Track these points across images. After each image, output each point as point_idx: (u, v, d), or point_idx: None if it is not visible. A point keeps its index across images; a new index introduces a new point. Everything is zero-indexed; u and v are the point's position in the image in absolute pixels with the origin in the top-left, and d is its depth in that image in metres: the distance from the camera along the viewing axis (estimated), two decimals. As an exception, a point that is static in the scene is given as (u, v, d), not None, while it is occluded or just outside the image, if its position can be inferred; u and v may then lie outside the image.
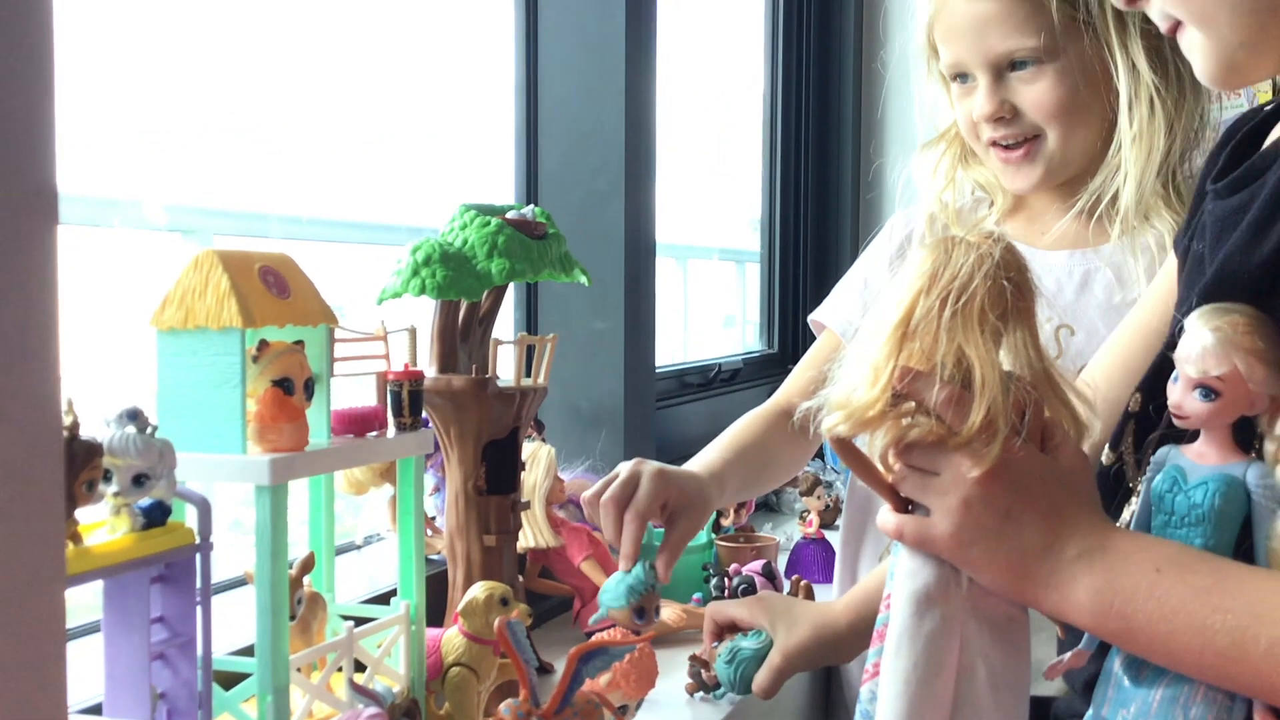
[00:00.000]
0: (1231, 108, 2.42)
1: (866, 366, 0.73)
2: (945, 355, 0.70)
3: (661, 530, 1.26)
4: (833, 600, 1.29)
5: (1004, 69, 1.35)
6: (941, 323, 0.70)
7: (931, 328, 0.71)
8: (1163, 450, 0.77)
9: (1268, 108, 0.91)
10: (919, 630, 0.72)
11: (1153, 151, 1.32)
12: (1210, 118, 1.37)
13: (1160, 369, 0.81)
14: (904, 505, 0.76)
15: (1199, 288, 0.81)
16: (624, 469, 1.24)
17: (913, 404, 0.72)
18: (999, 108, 1.36)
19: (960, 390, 0.71)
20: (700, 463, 1.36)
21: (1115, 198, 1.36)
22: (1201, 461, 0.73)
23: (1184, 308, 0.82)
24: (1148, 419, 0.82)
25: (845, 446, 0.76)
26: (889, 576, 0.76)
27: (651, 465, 1.24)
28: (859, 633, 1.20)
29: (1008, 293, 0.71)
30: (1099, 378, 1.00)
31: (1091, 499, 0.76)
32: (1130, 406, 0.85)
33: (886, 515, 0.76)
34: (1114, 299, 1.36)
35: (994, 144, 1.39)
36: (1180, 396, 0.73)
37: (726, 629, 1.25)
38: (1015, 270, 0.72)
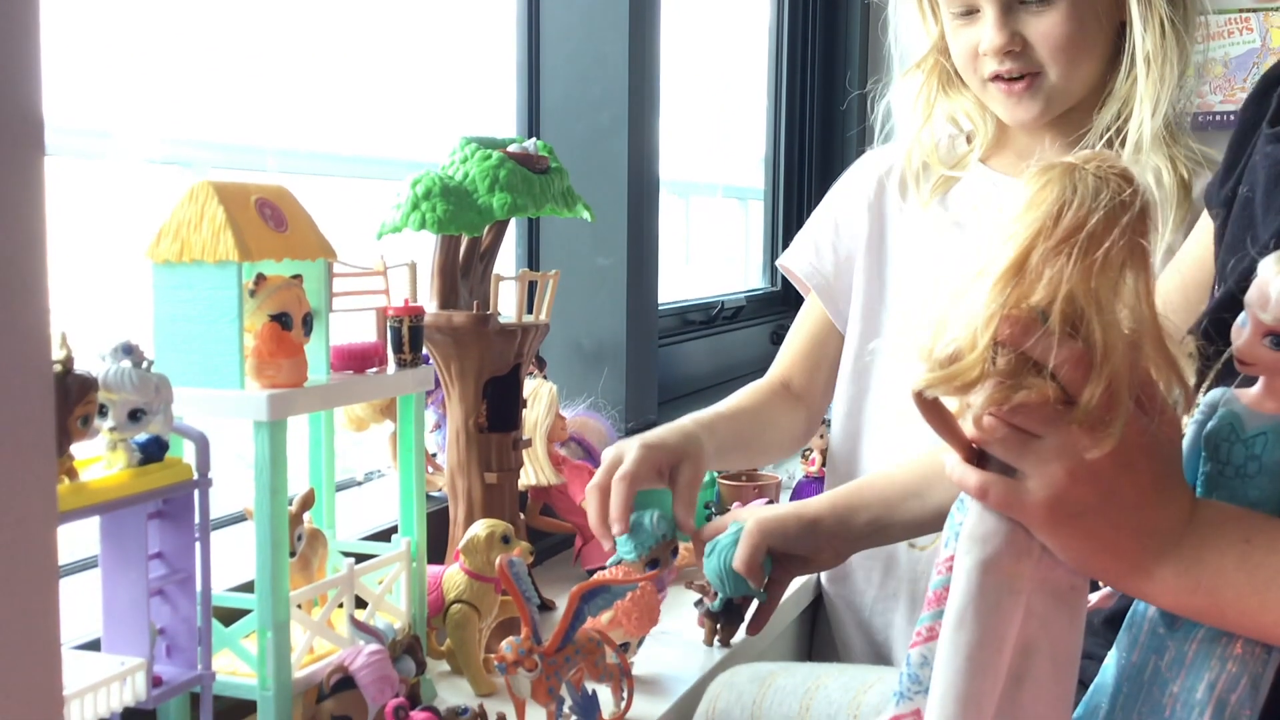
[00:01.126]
0: (1219, 47, 2.38)
1: (966, 321, 0.63)
2: (1047, 302, 0.61)
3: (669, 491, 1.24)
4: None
5: (1014, 1, 1.33)
6: (1058, 271, 0.61)
7: (1045, 275, 0.61)
8: (1215, 392, 0.72)
9: None
10: (984, 602, 0.66)
11: (1166, 79, 1.31)
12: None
13: (1219, 312, 0.76)
14: (976, 457, 0.69)
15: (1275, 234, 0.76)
16: (607, 454, 1.20)
17: (1012, 356, 0.64)
18: (1010, 40, 1.34)
19: (1082, 350, 0.62)
20: (690, 416, 1.35)
21: (1120, 131, 1.35)
22: (1259, 409, 0.69)
23: (1237, 253, 0.79)
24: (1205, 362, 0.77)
25: (931, 404, 0.67)
26: (951, 536, 0.69)
27: (634, 439, 1.22)
28: (839, 519, 1.20)
29: (1137, 249, 0.63)
30: None
31: (1180, 468, 0.70)
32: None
33: (964, 469, 0.68)
34: None
35: (995, 77, 1.37)
36: (1248, 343, 0.67)
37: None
38: (1149, 222, 0.64)
